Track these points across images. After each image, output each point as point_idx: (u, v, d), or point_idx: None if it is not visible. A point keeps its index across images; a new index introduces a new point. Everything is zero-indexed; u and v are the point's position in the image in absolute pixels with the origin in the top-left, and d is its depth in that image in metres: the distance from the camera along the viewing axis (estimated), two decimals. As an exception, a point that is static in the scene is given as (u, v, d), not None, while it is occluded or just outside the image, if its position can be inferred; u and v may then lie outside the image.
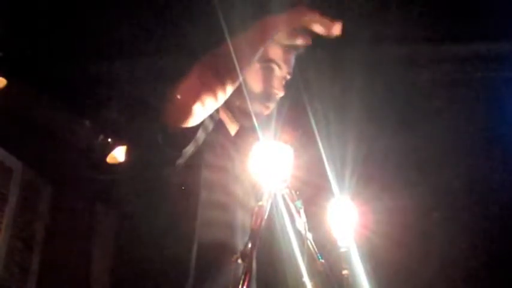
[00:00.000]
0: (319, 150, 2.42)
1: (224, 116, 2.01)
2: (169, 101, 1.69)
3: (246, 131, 2.05)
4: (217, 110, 1.85)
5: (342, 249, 1.75)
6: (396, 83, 3.42)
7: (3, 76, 3.16)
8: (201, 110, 1.71)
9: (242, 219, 1.92)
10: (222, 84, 1.73)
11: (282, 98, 2.04)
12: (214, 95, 1.72)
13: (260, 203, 1.54)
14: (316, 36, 1.89)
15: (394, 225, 3.27)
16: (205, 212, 1.83)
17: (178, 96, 1.68)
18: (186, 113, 1.69)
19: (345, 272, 1.70)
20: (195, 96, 1.69)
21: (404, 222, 3.40)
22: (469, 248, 3.51)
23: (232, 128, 2.05)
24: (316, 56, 3.11)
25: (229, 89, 1.76)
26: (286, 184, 1.67)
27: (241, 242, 1.86)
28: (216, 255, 1.82)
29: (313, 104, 2.73)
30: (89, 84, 3.38)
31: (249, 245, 1.45)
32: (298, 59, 2.04)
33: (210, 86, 1.71)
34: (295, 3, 1.89)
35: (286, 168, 1.62)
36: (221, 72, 1.74)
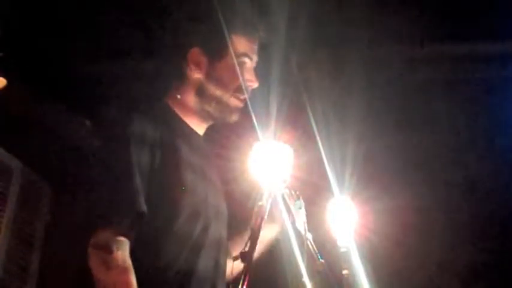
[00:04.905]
0: (319, 150, 2.42)
1: (192, 118, 2.00)
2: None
3: (218, 128, 2.06)
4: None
5: (342, 249, 1.75)
6: (396, 83, 3.42)
7: (3, 76, 3.16)
8: None
9: (216, 229, 1.90)
10: None
11: (281, 97, 2.04)
12: None
13: (260, 203, 1.54)
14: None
15: (394, 225, 3.27)
16: (185, 214, 1.83)
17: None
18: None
19: (345, 272, 1.70)
20: None
21: (404, 222, 3.40)
22: (469, 247, 3.50)
23: (200, 129, 2.03)
24: (316, 56, 3.12)
25: None
26: (286, 184, 1.68)
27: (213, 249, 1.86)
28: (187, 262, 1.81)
29: (313, 104, 2.74)
30: (89, 84, 3.37)
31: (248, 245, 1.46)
32: (298, 59, 2.04)
33: None
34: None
35: (286, 168, 1.62)
36: None
